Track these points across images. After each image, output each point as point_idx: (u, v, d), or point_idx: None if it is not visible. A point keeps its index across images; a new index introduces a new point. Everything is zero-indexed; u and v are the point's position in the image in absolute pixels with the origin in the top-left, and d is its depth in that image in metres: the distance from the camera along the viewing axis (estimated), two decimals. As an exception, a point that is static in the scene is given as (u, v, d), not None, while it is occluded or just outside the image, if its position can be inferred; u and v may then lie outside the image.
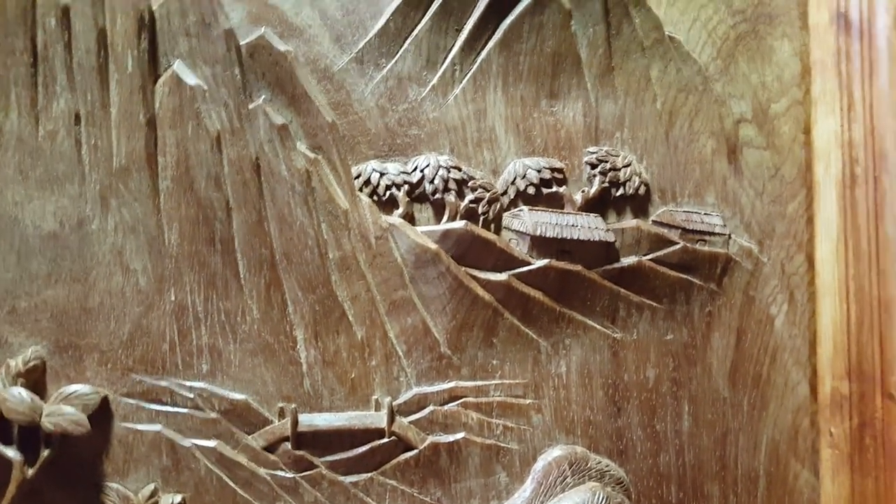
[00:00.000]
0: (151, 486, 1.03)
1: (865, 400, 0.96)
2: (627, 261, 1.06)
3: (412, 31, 1.06)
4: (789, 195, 1.07)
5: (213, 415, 1.03)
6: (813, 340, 1.04)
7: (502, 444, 1.04)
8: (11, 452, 1.01)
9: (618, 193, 1.06)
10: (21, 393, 1.00)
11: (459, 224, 1.04)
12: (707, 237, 1.06)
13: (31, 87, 1.04)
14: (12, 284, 1.03)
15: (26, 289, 1.03)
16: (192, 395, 1.03)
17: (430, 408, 1.04)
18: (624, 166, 1.06)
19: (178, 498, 1.03)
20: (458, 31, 1.07)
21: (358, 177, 1.05)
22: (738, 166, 1.07)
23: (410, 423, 1.04)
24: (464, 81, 1.07)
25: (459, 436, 1.04)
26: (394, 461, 1.03)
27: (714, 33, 1.07)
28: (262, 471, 1.03)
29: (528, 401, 1.05)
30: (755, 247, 1.08)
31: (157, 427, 1.03)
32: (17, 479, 1.01)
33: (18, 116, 1.03)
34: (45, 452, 1.01)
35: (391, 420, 1.03)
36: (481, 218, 1.06)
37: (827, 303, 1.00)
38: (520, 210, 1.06)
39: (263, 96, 1.04)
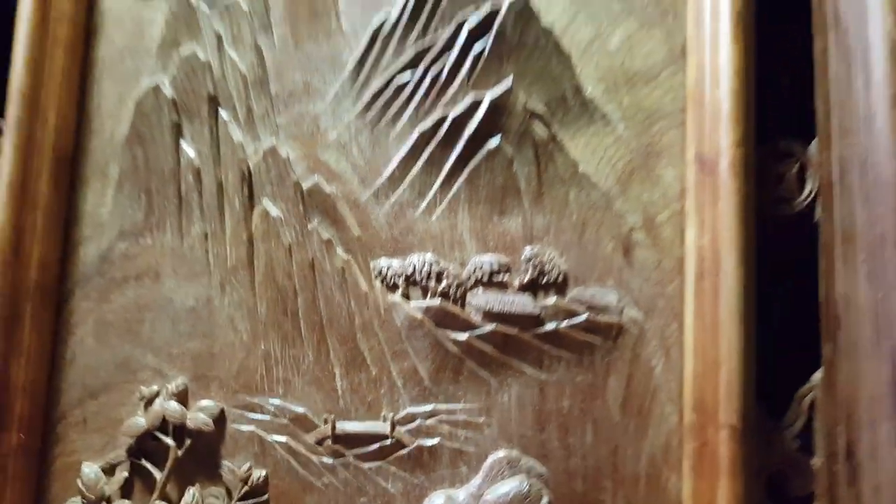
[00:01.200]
0: (248, 464, 1.28)
1: (705, 427, 1.11)
2: (550, 326, 1.23)
3: (409, 173, 1.30)
4: (668, 280, 1.20)
5: (285, 421, 1.28)
6: (681, 384, 1.18)
7: (464, 448, 1.23)
8: (169, 441, 1.30)
9: (544, 280, 1.24)
10: (175, 405, 1.31)
11: (437, 301, 1.26)
12: (606, 310, 1.23)
13: (178, 217, 1.36)
14: (168, 340, 1.33)
15: (176, 342, 1.33)
16: (273, 409, 1.29)
17: (418, 421, 1.24)
18: (549, 261, 1.24)
19: (264, 472, 1.27)
20: (439, 172, 1.29)
21: (374, 270, 1.29)
22: (631, 260, 1.22)
23: (405, 431, 1.24)
24: (442, 205, 1.28)
25: (436, 441, 1.23)
26: (394, 455, 1.24)
27: (615, 167, 1.24)
28: (314, 457, 1.26)
29: (482, 419, 1.23)
30: (641, 317, 1.21)
31: (251, 428, 1.29)
32: (173, 457, 1.30)
33: (171, 236, 1.36)
34: (188, 442, 1.30)
35: (392, 428, 1.24)
36: (451, 297, 1.26)
37: (688, 358, 1.19)
38: (478, 291, 1.26)
39: (317, 220, 1.32)
